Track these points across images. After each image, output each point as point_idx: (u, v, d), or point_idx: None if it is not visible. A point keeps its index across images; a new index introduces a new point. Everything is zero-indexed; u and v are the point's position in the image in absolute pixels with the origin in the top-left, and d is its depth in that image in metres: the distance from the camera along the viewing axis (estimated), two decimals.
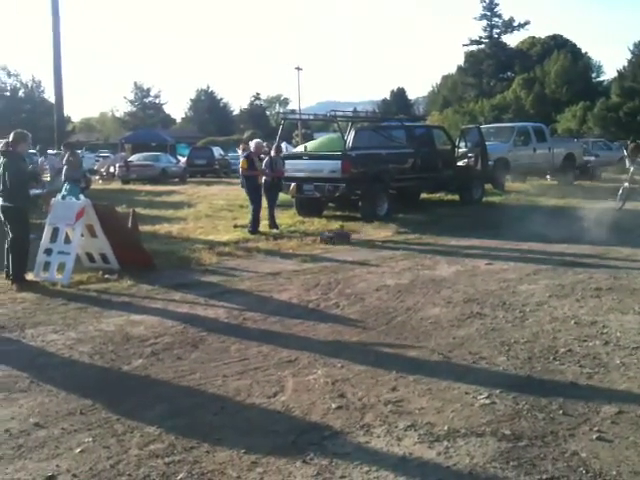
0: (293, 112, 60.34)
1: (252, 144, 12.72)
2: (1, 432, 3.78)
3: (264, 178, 12.34)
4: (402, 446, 3.58)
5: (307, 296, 7.12)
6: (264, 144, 13.71)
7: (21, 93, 55.88)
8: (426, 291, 7.24)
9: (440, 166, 15.57)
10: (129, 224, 8.94)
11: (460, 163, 16.83)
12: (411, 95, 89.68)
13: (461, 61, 71.69)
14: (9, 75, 55.40)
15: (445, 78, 75.91)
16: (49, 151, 22.61)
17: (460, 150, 16.91)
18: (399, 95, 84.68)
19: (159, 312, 6.51)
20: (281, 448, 3.56)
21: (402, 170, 14.46)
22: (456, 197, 16.90)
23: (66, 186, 11.11)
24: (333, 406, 4.11)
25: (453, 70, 73.70)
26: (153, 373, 4.79)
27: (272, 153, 12.75)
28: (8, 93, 55.03)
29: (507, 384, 4.42)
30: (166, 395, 4.34)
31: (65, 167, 12.25)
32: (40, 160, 14.08)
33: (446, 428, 3.76)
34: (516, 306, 6.49)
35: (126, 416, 4.00)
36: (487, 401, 4.15)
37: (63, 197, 8.92)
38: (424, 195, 17.26)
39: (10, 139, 7.73)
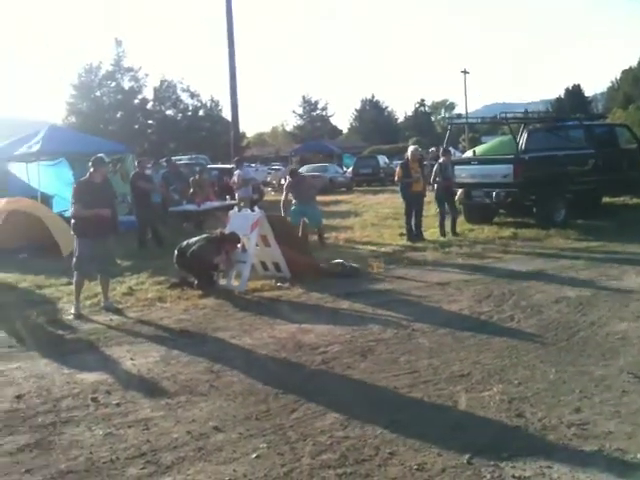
0: (459, 116, 59.17)
1: (408, 151, 12.58)
2: (183, 433, 4.00)
3: (435, 185, 12.19)
4: (587, 473, 3.28)
5: (479, 307, 6.85)
6: (420, 150, 13.49)
7: (201, 112, 60.30)
8: (612, 304, 6.65)
9: (624, 167, 14.33)
10: (299, 234, 9.22)
11: None
12: (588, 92, 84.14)
13: None
14: (192, 96, 60.06)
15: (626, 72, 70.29)
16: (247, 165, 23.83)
17: None
18: (574, 93, 79.66)
19: (329, 320, 6.60)
20: (455, 467, 3.41)
21: (581, 172, 13.49)
22: None
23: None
24: (510, 425, 3.88)
25: (634, 63, 67.97)
26: (324, 382, 4.85)
27: (441, 159, 12.53)
28: (190, 113, 59.66)
29: None
30: (337, 404, 4.35)
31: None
32: (237, 173, 15.08)
33: (639, 456, 3.39)
34: None
35: (299, 424, 4.07)
36: None
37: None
38: (606, 199, 15.98)
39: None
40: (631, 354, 5.07)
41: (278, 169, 40.97)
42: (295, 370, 5.15)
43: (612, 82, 74.95)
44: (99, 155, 7.56)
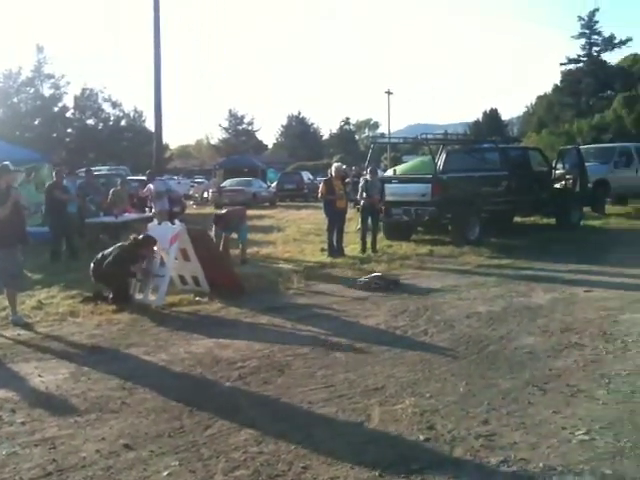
0: (382, 136, 60.45)
1: (332, 168, 12.74)
2: (92, 452, 3.87)
3: (362, 202, 12.38)
4: None
5: (394, 322, 6.99)
6: (344, 167, 13.69)
7: (123, 122, 59.01)
8: (520, 319, 6.93)
9: (536, 189, 15.06)
10: (220, 248, 9.15)
11: (557, 185, 16.21)
12: (505, 116, 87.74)
13: (557, 80, 69.44)
14: (114, 106, 58.69)
15: (540, 98, 73.65)
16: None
17: (557, 172, 16.30)
18: (492, 116, 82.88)
19: (247, 335, 6.57)
20: None
21: (495, 193, 14.09)
22: (553, 221, 16.25)
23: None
24: (421, 438, 3.97)
25: (549, 90, 71.46)
26: (240, 397, 4.81)
27: (368, 177, 12.73)
28: (111, 123, 58.27)
29: (607, 420, 4.13)
30: (252, 420, 4.32)
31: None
32: (149, 186, 14.82)
33: (541, 465, 3.54)
34: (617, 336, 6.09)
35: (212, 440, 4.01)
36: (586, 437, 3.88)
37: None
38: (518, 219, 16.71)
39: None
40: (537, 367, 5.30)
41: (201, 182, 40.57)
42: (211, 386, 5.09)
43: (527, 107, 78.30)
44: (4, 163, 7.29)
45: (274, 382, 5.10)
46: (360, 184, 12.90)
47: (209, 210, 27.48)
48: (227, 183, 32.02)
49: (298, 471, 3.58)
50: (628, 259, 10.58)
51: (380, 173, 24.77)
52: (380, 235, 13.73)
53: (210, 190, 31.63)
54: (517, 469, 3.52)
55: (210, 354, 5.90)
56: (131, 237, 8.44)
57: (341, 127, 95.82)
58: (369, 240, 12.31)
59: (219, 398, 4.82)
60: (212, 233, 10.61)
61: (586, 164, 16.85)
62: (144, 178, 18.85)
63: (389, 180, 14.79)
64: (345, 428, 4.18)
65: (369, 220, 12.39)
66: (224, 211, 11.80)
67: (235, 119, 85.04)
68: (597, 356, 5.53)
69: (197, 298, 8.19)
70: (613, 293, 8.10)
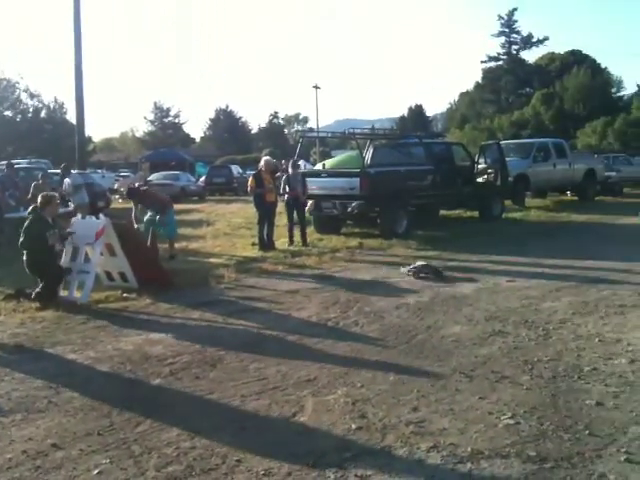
0: (311, 130, 60.56)
1: (262, 162, 12.70)
2: (18, 453, 3.74)
3: (286, 196, 12.38)
4: (424, 468, 3.49)
5: (326, 314, 7.05)
6: (274, 161, 13.67)
7: (43, 114, 56.64)
8: (447, 309, 7.14)
9: (459, 183, 15.48)
10: (148, 242, 8.97)
11: (480, 179, 16.72)
12: (429, 112, 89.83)
13: (479, 78, 71.55)
14: (31, 97, 56.23)
15: (463, 95, 75.72)
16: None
17: (480, 166, 16.82)
18: (417, 112, 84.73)
19: (178, 331, 6.48)
20: (300, 471, 3.48)
21: (421, 187, 14.40)
22: (476, 214, 16.78)
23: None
24: (353, 427, 4.04)
25: (471, 87, 73.55)
26: (171, 393, 4.75)
27: (289, 171, 12.75)
28: (30, 114, 55.83)
29: (531, 404, 4.31)
30: (184, 416, 4.29)
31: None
32: (65, 181, 14.30)
33: (469, 449, 3.66)
34: (539, 324, 6.36)
35: (143, 437, 3.95)
36: (511, 421, 4.04)
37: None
38: (443, 212, 17.16)
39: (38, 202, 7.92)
40: (463, 355, 5.47)
41: (126, 176, 39.57)
42: (141, 383, 5.00)
43: (451, 103, 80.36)
44: None
45: (206, 377, 5.06)
46: (282, 178, 12.91)
47: None
48: (154, 177, 31.35)
49: (232, 464, 3.57)
50: (547, 250, 11.04)
51: (309, 166, 25.01)
52: (310, 228, 13.81)
53: (136, 184, 30.87)
54: (446, 454, 3.63)
55: (140, 351, 5.79)
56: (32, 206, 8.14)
57: (270, 121, 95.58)
58: (297, 234, 12.35)
59: (150, 395, 4.74)
60: (133, 214, 10.46)
61: (506, 159, 17.46)
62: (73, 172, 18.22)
63: (318, 174, 14.89)
64: (278, 420, 4.20)
65: (294, 214, 12.43)
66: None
67: (161, 112, 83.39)
68: (520, 343, 5.76)
69: (125, 294, 8.01)
70: (534, 282, 8.44)
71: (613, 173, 26.10)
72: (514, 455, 3.59)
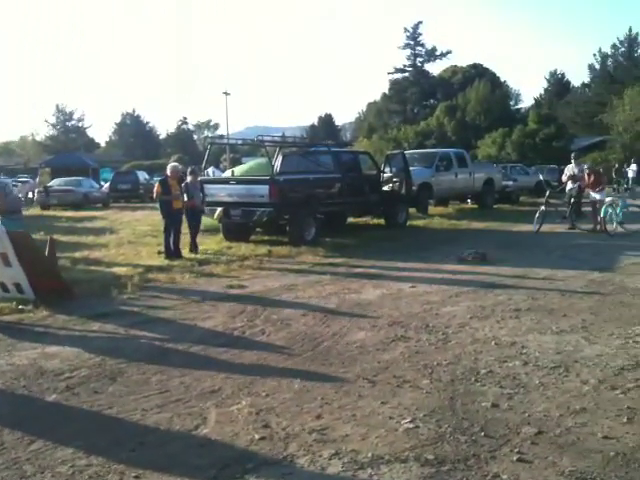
0: (221, 137, 60.05)
1: (168, 168, 12.46)
2: None
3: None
4: (326, 476, 3.53)
5: (232, 323, 6.99)
6: (180, 167, 13.43)
7: None
8: (352, 315, 7.25)
9: (366, 191, 15.78)
10: (46, 252, 8.58)
11: (385, 188, 17.11)
12: (338, 121, 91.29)
13: (386, 89, 73.44)
14: None
15: (371, 105, 77.49)
16: None
17: (385, 175, 17.21)
18: (327, 121, 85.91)
19: (76, 344, 6.23)
20: None
21: (329, 195, 14.58)
22: (382, 221, 17.16)
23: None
24: (256, 437, 4.02)
25: (378, 97, 75.32)
26: (67, 409, 4.56)
27: (188, 179, 12.53)
28: None
29: (430, 407, 4.45)
30: (80, 432, 4.13)
31: None
32: None
33: (370, 455, 3.73)
34: (439, 328, 6.58)
35: (37, 456, 3.78)
36: (411, 425, 4.15)
37: None
38: (351, 219, 17.43)
39: None
40: (367, 361, 5.57)
41: (25, 182, 37.77)
42: (35, 399, 4.77)
43: (359, 113, 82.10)
44: None
45: (105, 391, 4.90)
46: (182, 184, 12.73)
47: (35, 212, 25.67)
48: (55, 183, 30.09)
49: None
50: (448, 256, 11.44)
51: (218, 173, 24.74)
52: (220, 236, 13.67)
53: (35, 190, 29.53)
54: (347, 461, 3.68)
55: (34, 365, 5.53)
56: None
57: (179, 127, 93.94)
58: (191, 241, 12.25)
59: (44, 412, 4.54)
60: None
61: (411, 168, 17.97)
62: None
63: (227, 181, 14.77)
64: (180, 433, 4.12)
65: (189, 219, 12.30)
66: None
67: (63, 115, 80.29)
68: (421, 347, 5.93)
69: (20, 306, 7.63)
70: (435, 288, 8.72)
71: (510, 182, 27.37)
72: (413, 459, 3.68)
